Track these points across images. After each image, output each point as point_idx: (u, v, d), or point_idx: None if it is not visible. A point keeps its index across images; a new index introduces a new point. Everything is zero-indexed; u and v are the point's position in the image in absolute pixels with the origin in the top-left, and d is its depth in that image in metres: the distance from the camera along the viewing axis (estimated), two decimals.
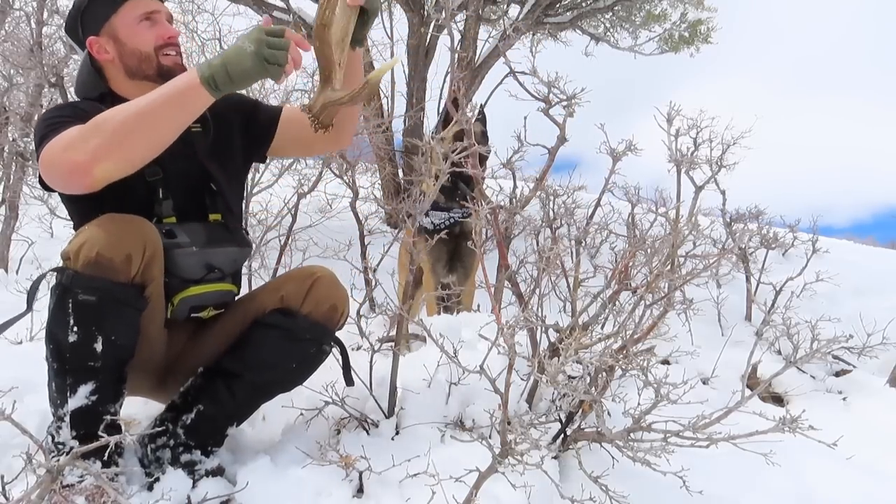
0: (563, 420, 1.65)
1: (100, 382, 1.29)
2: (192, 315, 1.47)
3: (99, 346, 1.26)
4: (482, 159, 2.93)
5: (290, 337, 1.45)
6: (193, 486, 1.37)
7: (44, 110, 4.13)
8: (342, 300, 1.51)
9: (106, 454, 1.31)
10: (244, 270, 2.37)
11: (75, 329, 1.25)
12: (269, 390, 1.52)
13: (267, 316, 1.47)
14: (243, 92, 1.70)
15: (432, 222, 3.14)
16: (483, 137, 3.11)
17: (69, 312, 1.24)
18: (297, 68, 1.18)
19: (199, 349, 1.55)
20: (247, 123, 1.61)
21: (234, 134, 1.59)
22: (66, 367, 1.28)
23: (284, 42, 1.13)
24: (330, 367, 1.61)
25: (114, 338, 1.28)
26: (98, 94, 1.43)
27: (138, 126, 1.16)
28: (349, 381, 1.65)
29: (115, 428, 1.34)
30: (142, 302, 1.30)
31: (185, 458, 1.42)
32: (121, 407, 1.37)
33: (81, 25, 1.42)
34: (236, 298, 1.59)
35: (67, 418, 1.29)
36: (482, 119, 3.32)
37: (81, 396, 1.28)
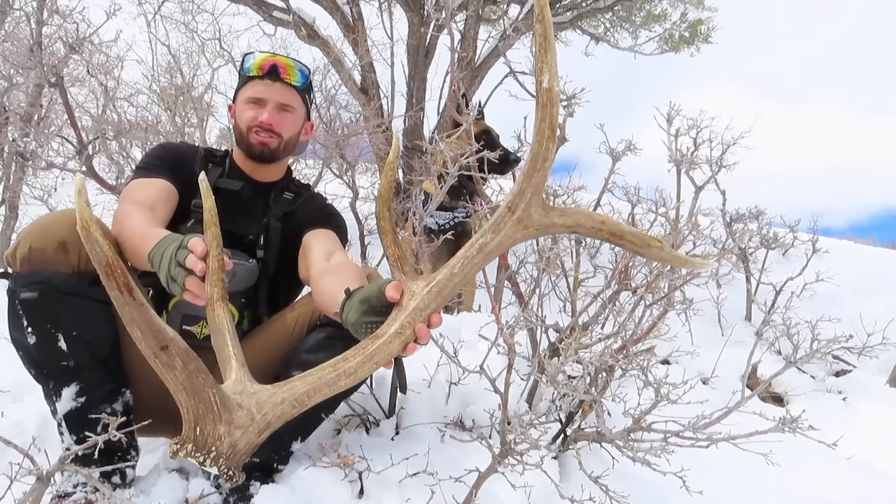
0: (563, 420, 1.65)
1: (84, 383, 1.27)
2: (185, 328, 1.45)
3: (63, 345, 1.24)
4: (513, 162, 2.99)
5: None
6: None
7: (42, 111, 4.14)
8: None
9: (115, 458, 1.30)
10: None
11: (30, 330, 1.23)
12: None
13: (324, 318, 1.42)
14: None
15: (437, 222, 3.15)
16: (495, 145, 3.17)
17: (20, 314, 1.23)
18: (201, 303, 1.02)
19: None
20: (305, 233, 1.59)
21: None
22: (42, 371, 1.27)
23: (180, 274, 1.02)
24: None
25: (76, 333, 1.24)
26: (224, 151, 1.70)
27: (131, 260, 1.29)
28: (403, 386, 1.62)
29: (121, 427, 1.32)
30: (97, 291, 1.16)
31: (244, 489, 1.37)
32: (124, 406, 1.34)
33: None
34: (267, 319, 1.57)
35: (63, 424, 1.28)
36: (484, 121, 3.35)
37: (68, 399, 1.26)
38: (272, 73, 1.58)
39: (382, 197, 1.06)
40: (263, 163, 1.63)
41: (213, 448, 0.88)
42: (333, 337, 1.38)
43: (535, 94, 0.90)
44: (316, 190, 1.84)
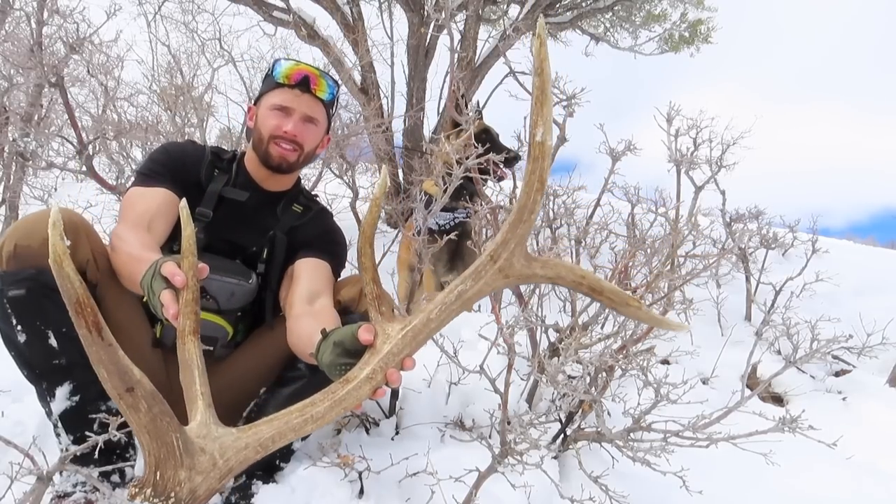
0: (563, 420, 1.65)
1: (77, 381, 1.27)
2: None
3: (54, 342, 1.24)
4: (514, 160, 3.02)
5: None
6: None
7: (42, 111, 4.13)
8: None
9: (114, 457, 1.30)
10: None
11: (20, 328, 1.23)
12: None
13: None
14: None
15: (437, 223, 3.15)
16: (497, 144, 3.19)
17: (9, 312, 1.23)
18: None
19: (233, 380, 1.49)
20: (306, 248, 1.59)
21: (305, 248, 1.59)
22: (35, 371, 1.27)
23: (154, 299, 1.05)
24: None
25: (65, 329, 1.24)
26: (232, 154, 1.66)
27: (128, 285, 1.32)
28: (396, 390, 1.62)
29: (119, 426, 1.32)
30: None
31: (245, 489, 1.38)
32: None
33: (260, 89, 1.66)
34: (263, 326, 1.56)
35: (60, 424, 1.28)
36: (483, 121, 3.36)
37: (62, 399, 1.26)
38: (302, 83, 1.56)
39: (365, 234, 1.06)
40: (279, 173, 1.61)
41: (172, 494, 0.86)
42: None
43: (528, 142, 0.91)
44: (320, 198, 1.81)
